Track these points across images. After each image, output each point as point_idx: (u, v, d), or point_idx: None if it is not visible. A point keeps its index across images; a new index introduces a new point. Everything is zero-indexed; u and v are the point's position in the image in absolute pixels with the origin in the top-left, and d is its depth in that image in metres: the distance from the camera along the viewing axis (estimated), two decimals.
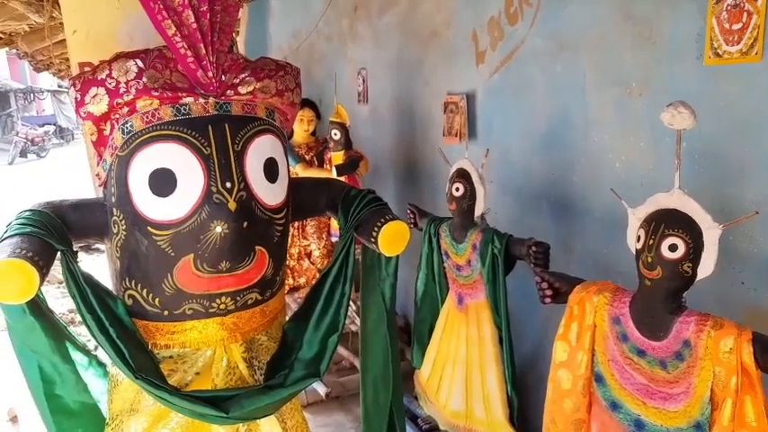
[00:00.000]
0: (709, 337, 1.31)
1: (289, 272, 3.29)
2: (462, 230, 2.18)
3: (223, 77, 1.27)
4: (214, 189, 1.21)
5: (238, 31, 6.41)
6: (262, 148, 1.29)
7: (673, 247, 1.32)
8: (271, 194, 1.31)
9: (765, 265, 1.46)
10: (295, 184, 1.54)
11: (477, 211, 2.14)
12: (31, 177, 11.96)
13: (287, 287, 3.30)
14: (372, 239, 1.41)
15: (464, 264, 2.20)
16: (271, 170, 1.31)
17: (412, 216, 2.45)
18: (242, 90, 1.28)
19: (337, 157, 3.03)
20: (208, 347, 1.32)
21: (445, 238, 2.26)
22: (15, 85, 19.90)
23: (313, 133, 3.40)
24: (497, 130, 2.50)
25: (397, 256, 1.58)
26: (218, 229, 1.20)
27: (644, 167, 1.77)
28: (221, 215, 1.20)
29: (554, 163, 2.17)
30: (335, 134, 3.00)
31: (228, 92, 1.27)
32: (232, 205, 1.21)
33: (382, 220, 1.40)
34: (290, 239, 3.30)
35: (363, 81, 3.72)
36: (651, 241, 1.35)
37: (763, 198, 1.45)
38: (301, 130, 3.29)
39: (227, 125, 1.24)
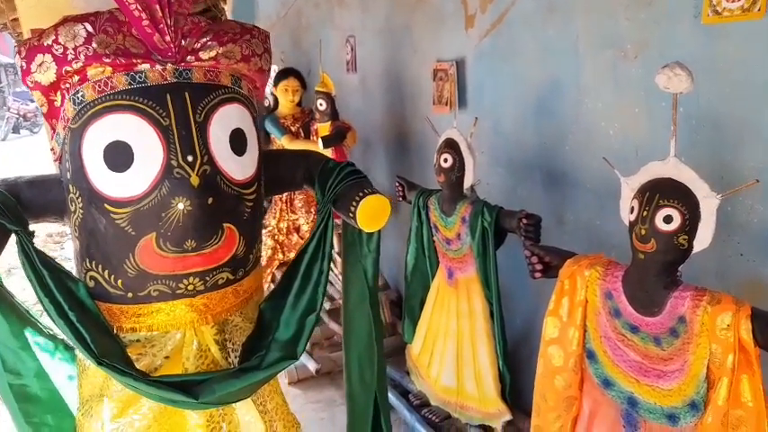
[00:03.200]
0: (706, 313, 1.24)
1: (278, 246, 3.22)
2: (451, 203, 2.10)
3: (183, 42, 1.17)
4: (174, 163, 1.12)
5: (226, 0, 6.22)
6: (227, 119, 1.20)
7: (668, 219, 1.24)
8: (239, 168, 1.22)
9: (766, 236, 1.39)
10: (270, 157, 1.45)
11: (467, 183, 2.06)
12: (25, 154, 11.80)
13: (276, 262, 3.24)
14: (350, 215, 1.33)
15: (453, 237, 2.12)
16: (238, 142, 1.22)
17: (400, 189, 2.37)
18: (203, 55, 1.18)
19: (324, 128, 2.93)
20: (177, 330, 1.25)
21: (434, 211, 2.19)
22: (5, 60, 19.55)
23: (299, 104, 3.29)
24: (488, 98, 2.40)
25: (379, 232, 1.50)
26: (181, 206, 1.12)
27: (639, 135, 1.68)
28: (183, 191, 1.12)
29: (546, 132, 2.08)
30: (321, 104, 2.89)
31: (189, 58, 1.17)
32: (195, 180, 1.13)
33: (361, 194, 1.32)
34: (278, 214, 3.23)
35: (352, 49, 3.59)
36: (645, 212, 1.27)
37: (763, 166, 1.37)
38: (286, 100, 3.18)
39: (187, 94, 1.15)
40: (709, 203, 1.23)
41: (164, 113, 1.12)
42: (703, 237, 1.25)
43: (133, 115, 1.11)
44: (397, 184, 2.38)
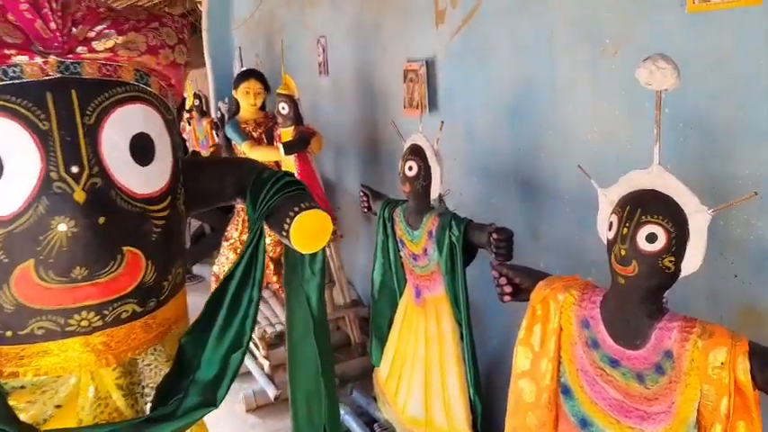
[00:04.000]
0: (696, 348, 1.06)
1: None
2: (418, 215, 1.91)
3: (73, 30, 0.98)
4: (54, 176, 0.93)
5: (201, 1, 6.02)
6: (127, 121, 1.00)
7: (651, 238, 1.06)
8: (142, 180, 1.03)
9: (763, 255, 1.21)
10: (194, 166, 1.26)
11: (434, 193, 1.87)
12: None
13: None
14: (284, 233, 1.14)
15: (420, 253, 1.93)
16: (142, 149, 1.02)
17: (365, 199, 2.18)
18: (98, 46, 0.98)
19: (286, 133, 2.74)
20: (71, 374, 1.05)
21: (400, 224, 2.00)
22: None
23: (262, 108, 3.09)
24: (460, 101, 2.22)
25: (324, 252, 1.31)
26: (63, 228, 0.92)
27: (620, 140, 1.50)
28: (65, 209, 0.92)
29: (520, 137, 1.90)
30: (283, 108, 2.70)
31: (79, 49, 0.98)
32: (79, 195, 0.93)
33: (296, 209, 1.13)
34: (240, 225, 3.02)
35: (323, 50, 3.41)
36: (625, 230, 1.09)
37: (760, 174, 1.19)
38: (248, 104, 2.98)
39: (74, 92, 0.95)
40: (698, 219, 1.05)
41: (42, 115, 0.92)
42: (692, 259, 1.07)
43: (3, 118, 0.91)
44: (362, 194, 2.19)
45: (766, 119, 1.16)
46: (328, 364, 1.41)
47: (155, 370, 1.16)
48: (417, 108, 2.46)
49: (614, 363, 1.20)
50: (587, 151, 1.61)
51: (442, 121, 1.79)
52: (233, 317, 1.16)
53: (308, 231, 1.13)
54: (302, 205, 1.13)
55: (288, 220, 1.12)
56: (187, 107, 5.25)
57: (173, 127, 1.12)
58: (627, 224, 1.09)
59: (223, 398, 1.11)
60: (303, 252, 1.16)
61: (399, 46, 2.60)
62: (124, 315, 1.06)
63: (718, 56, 1.25)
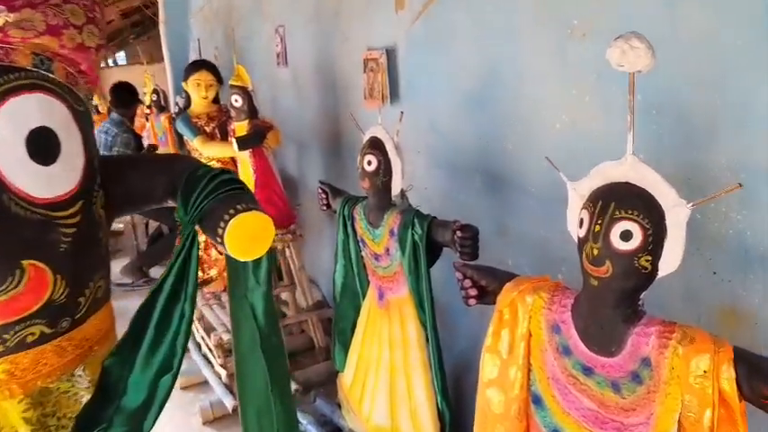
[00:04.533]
0: (676, 355, 0.97)
1: None
2: (378, 212, 1.79)
3: None
4: None
5: None
6: (22, 114, 0.85)
7: (626, 235, 0.96)
8: (43, 182, 0.88)
9: (743, 251, 1.13)
10: (117, 164, 1.11)
11: (395, 189, 1.75)
12: None
13: None
14: (218, 238, 1.00)
15: (382, 252, 1.82)
16: (43, 146, 0.88)
17: (324, 196, 2.05)
18: None
19: (241, 127, 2.58)
20: None
21: (360, 222, 1.88)
22: None
23: (215, 101, 2.92)
24: (423, 90, 2.10)
25: (270, 258, 1.18)
26: None
27: (590, 129, 1.41)
28: None
29: (485, 127, 1.79)
30: (236, 101, 2.54)
31: None
32: None
33: (232, 212, 1.00)
34: None
35: (281, 40, 3.25)
36: (597, 227, 0.99)
37: (740, 164, 1.10)
38: (199, 97, 2.80)
39: None
40: (677, 214, 0.96)
41: None
42: (671, 257, 0.97)
43: None
44: (320, 191, 2.06)
45: (745, 104, 1.07)
46: (280, 379, 1.28)
47: (73, 398, 1.01)
48: (378, 99, 2.34)
49: (588, 370, 1.10)
50: (555, 141, 1.51)
51: (402, 112, 1.67)
52: (163, 335, 1.03)
53: (246, 236, 1.00)
54: (239, 207, 1.00)
55: (222, 224, 0.99)
56: (146, 103, 5.03)
57: (84, 120, 0.97)
58: (599, 221, 0.99)
59: (151, 428, 0.97)
60: (239, 259, 1.02)
61: (360, 34, 2.47)
62: (30, 338, 0.92)
63: (693, 36, 1.15)
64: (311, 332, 2.76)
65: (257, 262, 1.16)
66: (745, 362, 0.91)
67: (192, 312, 1.04)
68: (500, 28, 1.65)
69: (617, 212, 0.97)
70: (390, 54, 2.21)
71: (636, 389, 1.04)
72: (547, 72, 1.51)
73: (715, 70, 1.12)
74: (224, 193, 1.05)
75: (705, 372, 0.93)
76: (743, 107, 1.08)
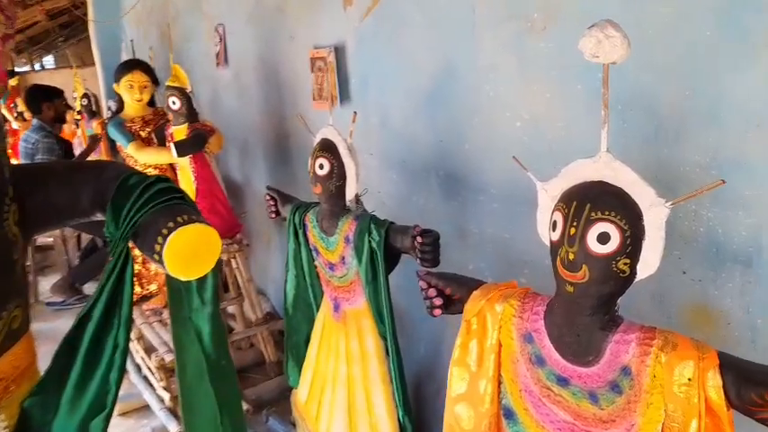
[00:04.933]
0: (658, 363, 0.91)
1: (135, 279, 2.65)
2: (332, 219, 1.69)
3: None
4: None
5: None
6: None
7: (603, 238, 0.90)
8: None
9: (714, 249, 1.09)
10: (35, 173, 0.97)
11: (349, 194, 1.65)
12: None
13: (134, 296, 2.66)
14: (156, 256, 0.88)
15: (337, 261, 1.71)
16: None
17: (272, 203, 1.93)
18: None
19: (179, 131, 2.41)
20: None
21: (312, 230, 1.76)
22: None
23: (151, 104, 2.73)
24: (374, 89, 2.02)
25: (216, 274, 1.06)
26: None
27: (553, 126, 1.35)
28: None
29: (441, 127, 1.72)
30: (174, 103, 2.37)
31: None
32: None
33: (170, 225, 0.87)
34: None
35: (221, 39, 3.09)
36: (572, 229, 0.92)
37: (711, 160, 1.07)
38: (132, 99, 2.61)
39: None
40: (655, 214, 0.90)
41: None
42: (649, 260, 0.92)
43: None
44: (268, 198, 1.93)
45: (716, 98, 1.04)
46: (231, 407, 1.16)
47: None
48: (327, 99, 2.24)
49: (563, 381, 1.04)
50: (516, 140, 1.46)
51: (355, 112, 1.58)
52: (92, 370, 0.89)
53: (188, 252, 0.87)
54: (179, 219, 0.88)
55: (160, 240, 0.86)
56: (76, 108, 4.72)
57: None
58: (574, 223, 0.92)
59: None
60: (181, 278, 0.90)
61: (306, 32, 2.36)
62: None
63: (659, 28, 1.11)
64: (261, 346, 2.62)
65: (202, 280, 1.03)
66: (731, 368, 0.86)
67: (127, 342, 0.90)
68: (455, 22, 1.58)
69: (593, 214, 0.91)
70: (339, 52, 2.11)
71: (615, 399, 0.98)
72: (506, 67, 1.45)
73: (683, 63, 1.08)
74: (161, 203, 0.93)
75: (689, 379, 0.88)
76: (713, 101, 1.05)
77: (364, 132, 1.98)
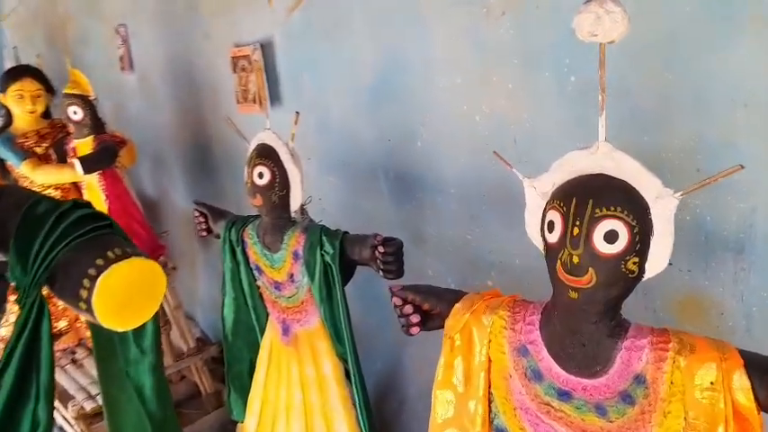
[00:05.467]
0: (677, 369, 0.83)
1: None
2: (276, 233, 1.51)
3: None
4: None
5: None
6: None
7: (611, 236, 0.81)
8: None
9: (702, 238, 1.04)
10: None
11: (294, 204, 1.48)
12: None
13: None
14: (82, 304, 0.68)
15: (284, 280, 1.54)
16: None
17: (202, 220, 1.71)
18: None
19: (83, 145, 2.12)
20: None
21: (253, 247, 1.58)
22: None
23: (46, 115, 2.39)
24: (309, 89, 1.85)
25: (156, 317, 0.86)
26: None
27: (517, 118, 1.26)
28: None
29: (388, 124, 1.60)
30: (75, 113, 2.08)
31: None
32: None
33: (99, 263, 0.68)
34: None
35: (123, 41, 2.79)
36: (576, 229, 0.82)
37: (695, 146, 1.01)
38: (23, 111, 2.26)
39: None
40: (663, 206, 0.82)
41: None
42: (659, 256, 0.84)
43: None
44: (197, 214, 1.72)
45: (699, 78, 0.98)
46: None
47: None
48: (255, 102, 2.05)
49: (564, 395, 0.94)
50: (475, 135, 1.36)
51: (297, 113, 1.41)
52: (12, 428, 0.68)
53: (124, 296, 0.69)
54: (110, 255, 0.69)
55: (86, 283, 0.67)
56: None
57: None
58: (577, 222, 0.82)
59: None
60: (121, 329, 0.71)
61: (224, 29, 2.15)
62: None
63: (636, 5, 1.04)
64: (195, 378, 2.37)
65: (140, 325, 0.84)
66: (757, 367, 0.80)
67: (51, 417, 0.70)
68: (401, 10, 1.45)
69: (597, 210, 0.81)
70: (266, 49, 1.93)
71: (626, 410, 0.89)
72: (460, 58, 1.35)
73: (662, 43, 1.02)
74: (83, 236, 0.73)
75: (712, 383, 0.81)
76: (696, 81, 0.99)
77: (300, 136, 1.80)
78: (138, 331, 0.85)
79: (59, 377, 2.28)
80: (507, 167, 0.95)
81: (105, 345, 0.85)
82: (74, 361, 2.31)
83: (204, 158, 2.52)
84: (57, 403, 2.29)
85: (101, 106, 2.22)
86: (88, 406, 2.02)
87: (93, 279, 0.67)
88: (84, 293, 0.67)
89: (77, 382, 2.20)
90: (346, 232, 1.43)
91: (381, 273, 1.33)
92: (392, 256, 1.30)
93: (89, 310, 0.68)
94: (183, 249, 2.84)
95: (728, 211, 1.00)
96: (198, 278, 2.80)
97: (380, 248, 1.30)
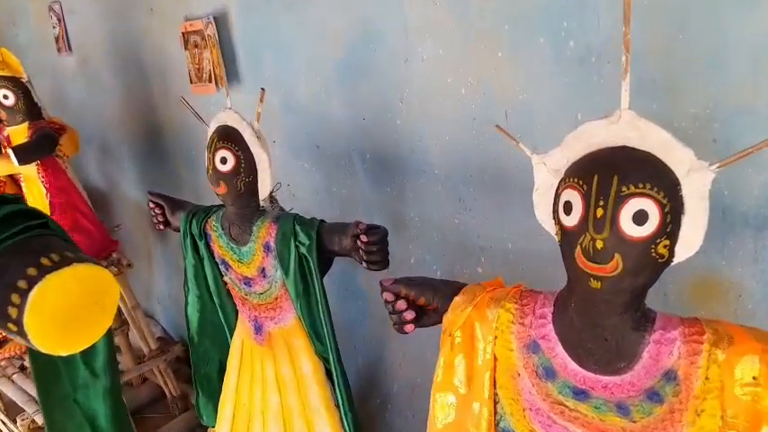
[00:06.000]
0: (714, 363, 0.75)
1: None
2: (243, 224, 1.37)
3: None
4: None
5: None
6: None
7: (640, 217, 0.71)
8: None
9: (719, 214, 0.96)
10: None
11: (263, 191, 1.34)
12: None
13: None
14: (11, 325, 0.53)
15: (255, 275, 1.40)
16: None
17: (159, 212, 1.55)
18: None
19: (17, 132, 1.90)
20: None
21: (218, 240, 1.43)
22: None
23: None
24: (271, 65, 1.69)
25: (110, 333, 0.72)
26: None
27: (507, 90, 1.15)
28: None
29: (363, 102, 1.46)
30: (5, 97, 1.86)
31: None
32: None
33: (32, 273, 0.53)
34: None
35: (59, 20, 2.54)
36: (599, 210, 0.72)
37: (711, 110, 0.92)
38: None
39: None
40: (697, 181, 0.73)
41: None
42: (691, 237, 0.74)
43: None
44: (153, 205, 1.55)
45: (714, 39, 0.89)
46: None
47: None
48: (210, 81, 1.87)
49: (581, 394, 0.85)
50: (461, 109, 1.24)
51: (263, 89, 1.26)
52: None
53: (65, 314, 0.54)
54: (44, 262, 0.54)
55: (15, 299, 0.52)
56: None
57: None
58: (600, 202, 0.72)
59: None
60: (61, 353, 0.56)
61: (172, 2, 1.96)
62: None
63: None
64: (159, 380, 2.20)
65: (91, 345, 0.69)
66: None
67: None
68: None
69: (623, 188, 0.71)
70: (220, 22, 1.75)
71: (653, 409, 0.80)
72: (442, 26, 1.22)
73: (677, 4, 0.92)
74: (9, 238, 0.57)
75: (755, 378, 0.72)
76: (711, 43, 0.89)
77: (263, 117, 1.66)
78: (88, 351, 0.71)
79: (5, 387, 2.07)
80: (512, 142, 0.83)
81: (46, 366, 0.70)
82: (22, 368, 2.10)
83: (156, 145, 2.32)
84: (2, 417, 2.09)
85: (35, 89, 2.00)
86: (40, 419, 1.83)
87: (25, 293, 0.52)
88: (12, 312, 0.52)
89: (27, 392, 1.99)
90: (323, 221, 1.30)
91: (364, 264, 1.21)
92: (376, 246, 1.18)
93: (21, 333, 0.53)
94: (138, 243, 2.65)
95: (748, 183, 0.92)
96: (155, 273, 2.61)
97: (363, 237, 1.18)
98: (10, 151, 1.80)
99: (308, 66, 1.57)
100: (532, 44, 1.08)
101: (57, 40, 2.63)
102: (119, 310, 2.13)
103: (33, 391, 2.01)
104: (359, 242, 1.19)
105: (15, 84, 1.87)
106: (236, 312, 1.54)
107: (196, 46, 1.88)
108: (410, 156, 1.40)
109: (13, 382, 2.05)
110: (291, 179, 1.75)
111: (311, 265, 1.30)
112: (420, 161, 1.38)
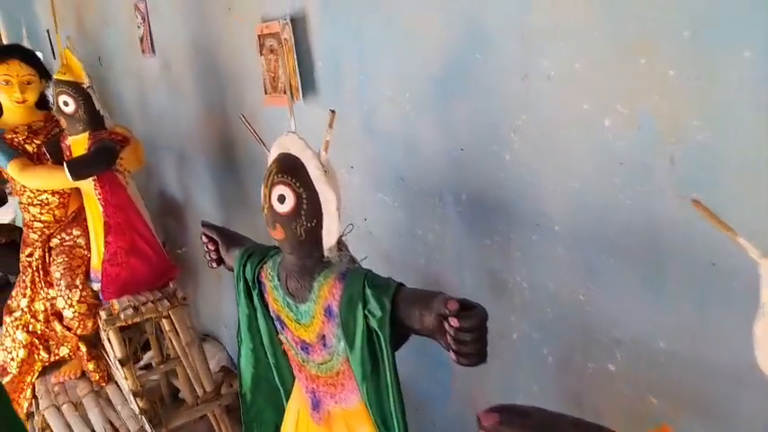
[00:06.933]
0: None
1: (37, 342, 1.99)
2: (303, 277, 1.09)
3: None
4: None
5: None
6: None
7: None
8: None
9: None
10: None
11: (329, 240, 1.05)
12: None
13: (39, 365, 2.01)
14: None
15: (314, 341, 1.12)
16: None
17: (212, 248, 1.32)
18: None
19: (78, 143, 1.75)
20: None
21: (273, 292, 1.16)
22: None
23: (42, 106, 2.03)
24: (352, 76, 1.41)
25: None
26: None
27: (680, 123, 0.78)
28: None
29: (462, 128, 1.13)
30: (66, 104, 1.71)
31: None
32: None
33: None
34: (29, 289, 1.99)
35: (144, 20, 2.42)
36: None
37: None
38: (11, 100, 1.90)
39: None
40: None
41: None
42: None
43: None
44: (205, 240, 1.32)
45: None
46: None
47: None
48: (285, 92, 1.62)
49: None
50: (602, 147, 0.88)
51: (333, 111, 0.97)
52: None
53: None
54: None
55: None
56: None
57: None
58: None
59: None
60: None
61: (249, 0, 1.73)
62: None
63: None
64: (214, 425, 1.99)
65: None
66: None
67: None
68: None
69: None
70: (298, 25, 1.50)
71: None
72: (581, 28, 0.87)
73: None
74: None
75: None
76: None
77: (340, 137, 1.37)
78: None
79: (54, 420, 1.92)
80: (722, 228, 0.48)
81: None
82: (70, 401, 1.95)
83: (230, 159, 2.12)
84: None
85: (121, 97, 1.84)
86: None
87: None
88: None
89: (72, 430, 1.84)
90: (401, 284, 0.99)
91: (452, 354, 0.88)
92: (471, 334, 0.85)
93: None
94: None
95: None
96: (224, 293, 2.44)
97: (453, 321, 0.85)
98: (65, 165, 1.65)
99: (396, 79, 1.26)
100: (729, 59, 0.71)
101: (141, 40, 2.52)
102: (169, 344, 1.92)
103: (78, 429, 1.86)
104: (446, 325, 0.87)
105: (76, 90, 1.72)
106: (293, 376, 1.27)
107: (272, 51, 1.64)
108: (520, 202, 1.05)
109: (61, 414, 1.90)
110: (369, 213, 1.46)
111: (383, 341, 1.00)
112: (533, 211, 1.03)
